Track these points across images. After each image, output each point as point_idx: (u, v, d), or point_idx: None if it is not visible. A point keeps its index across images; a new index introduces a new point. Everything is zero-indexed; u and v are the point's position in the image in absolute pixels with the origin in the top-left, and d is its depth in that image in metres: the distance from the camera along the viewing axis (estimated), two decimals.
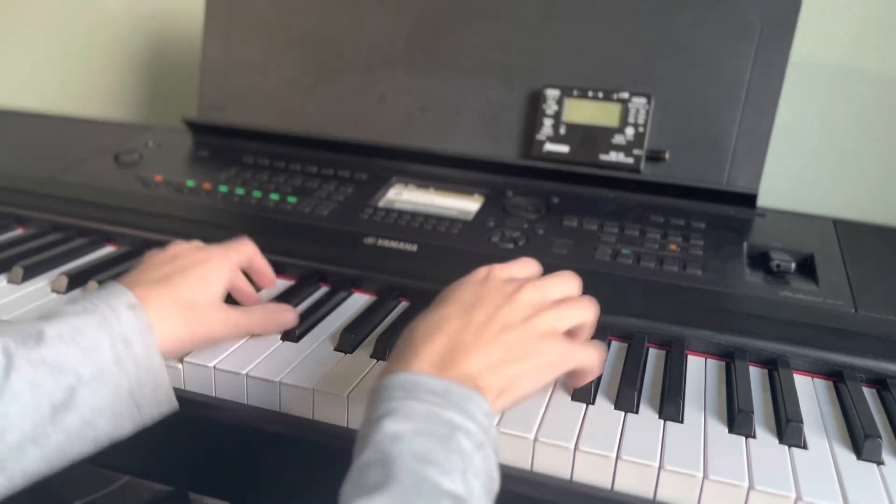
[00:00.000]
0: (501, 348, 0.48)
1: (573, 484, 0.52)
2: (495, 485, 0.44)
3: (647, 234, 0.79)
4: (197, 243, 0.65)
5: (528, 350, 0.49)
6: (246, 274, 0.68)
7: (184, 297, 0.57)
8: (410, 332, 0.50)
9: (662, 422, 0.55)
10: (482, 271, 0.55)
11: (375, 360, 0.61)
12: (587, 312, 0.55)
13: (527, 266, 0.58)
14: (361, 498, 0.38)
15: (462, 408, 0.44)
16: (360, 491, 0.38)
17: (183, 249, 0.63)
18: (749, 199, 0.85)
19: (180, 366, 0.60)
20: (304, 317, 0.65)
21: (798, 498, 0.48)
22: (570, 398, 0.57)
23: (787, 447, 0.53)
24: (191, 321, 0.57)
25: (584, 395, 0.57)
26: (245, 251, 0.66)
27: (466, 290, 0.53)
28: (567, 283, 0.56)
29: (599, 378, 0.59)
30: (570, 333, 0.55)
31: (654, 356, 0.64)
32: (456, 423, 0.43)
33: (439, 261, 0.75)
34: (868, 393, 0.60)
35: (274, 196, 0.88)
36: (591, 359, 0.54)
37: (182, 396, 0.60)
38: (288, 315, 0.64)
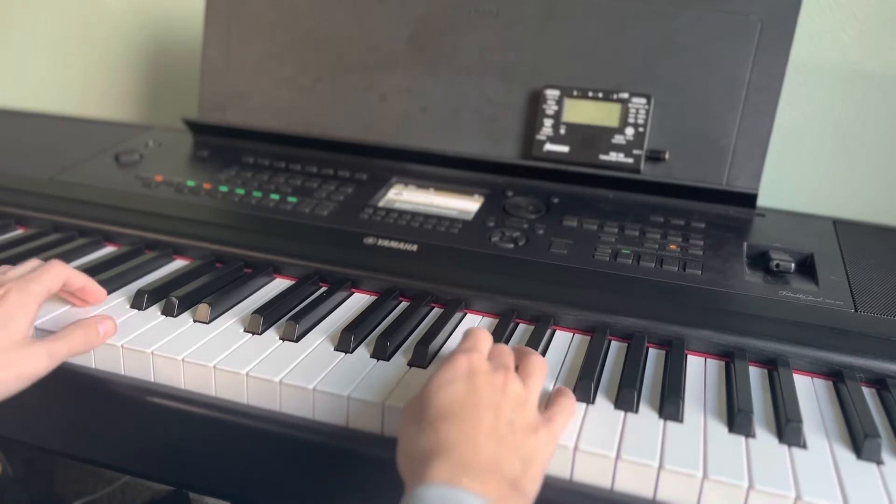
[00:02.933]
0: (524, 452, 0.47)
1: (573, 484, 0.52)
2: None
3: (647, 234, 0.79)
4: None
5: (539, 447, 0.48)
6: None
7: None
8: (442, 423, 0.46)
9: (662, 421, 0.55)
10: (463, 364, 0.51)
11: (376, 360, 0.61)
12: (543, 372, 0.55)
13: (483, 340, 0.55)
14: None
15: None
16: None
17: None
18: (749, 199, 0.85)
19: (181, 365, 0.60)
20: (304, 317, 0.65)
21: (798, 498, 0.48)
22: None
23: (786, 447, 0.53)
24: None
25: (584, 395, 0.57)
26: (51, 277, 0.61)
27: (470, 382, 0.50)
28: (504, 348, 0.55)
29: (599, 378, 0.59)
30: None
31: (654, 356, 0.64)
32: None
33: (439, 261, 0.75)
34: (868, 393, 0.60)
35: (274, 196, 0.88)
36: (565, 422, 0.53)
37: (182, 396, 0.60)
38: (105, 324, 0.61)
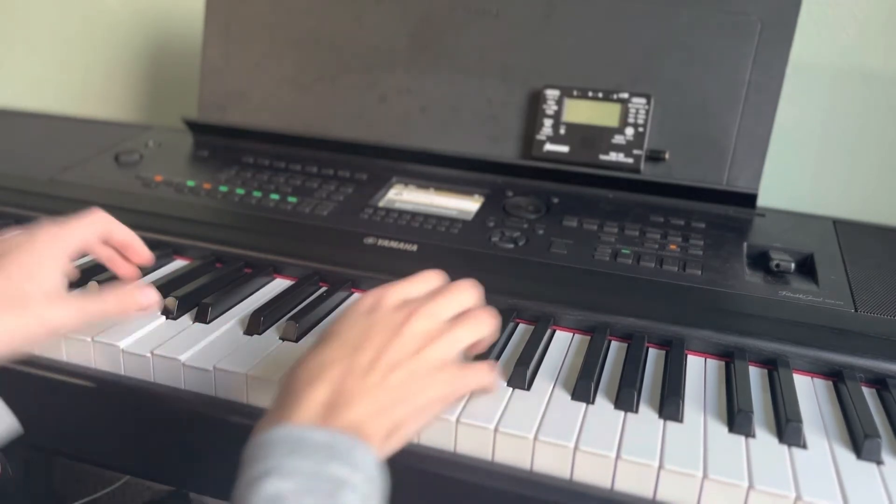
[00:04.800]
0: (388, 392, 0.45)
1: (573, 484, 0.52)
2: None
3: (647, 234, 0.79)
4: (33, 228, 0.57)
5: (417, 388, 0.46)
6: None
7: (4, 291, 0.51)
8: (292, 378, 0.47)
9: (662, 421, 0.55)
10: (370, 298, 0.51)
11: None
12: (482, 327, 0.52)
13: (425, 282, 0.54)
14: None
15: (349, 460, 0.41)
16: None
17: (6, 236, 0.55)
18: (749, 199, 0.85)
19: (181, 365, 0.60)
20: (304, 317, 0.65)
21: (798, 497, 0.48)
22: (570, 398, 0.57)
23: (786, 447, 0.53)
24: (19, 317, 0.51)
25: (584, 395, 0.57)
26: (87, 225, 0.57)
27: (353, 325, 0.49)
28: (462, 295, 0.52)
29: (599, 378, 0.59)
30: (471, 347, 0.52)
31: (654, 356, 0.64)
32: (342, 478, 0.40)
33: (439, 261, 0.75)
34: (868, 393, 0.60)
35: (274, 196, 0.88)
36: (481, 381, 0.51)
37: (182, 396, 0.60)
38: (146, 294, 0.57)
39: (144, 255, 0.64)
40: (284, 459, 0.40)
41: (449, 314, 0.51)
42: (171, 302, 0.67)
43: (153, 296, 0.59)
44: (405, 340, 0.48)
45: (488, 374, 0.52)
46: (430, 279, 0.54)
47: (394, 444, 0.46)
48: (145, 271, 0.75)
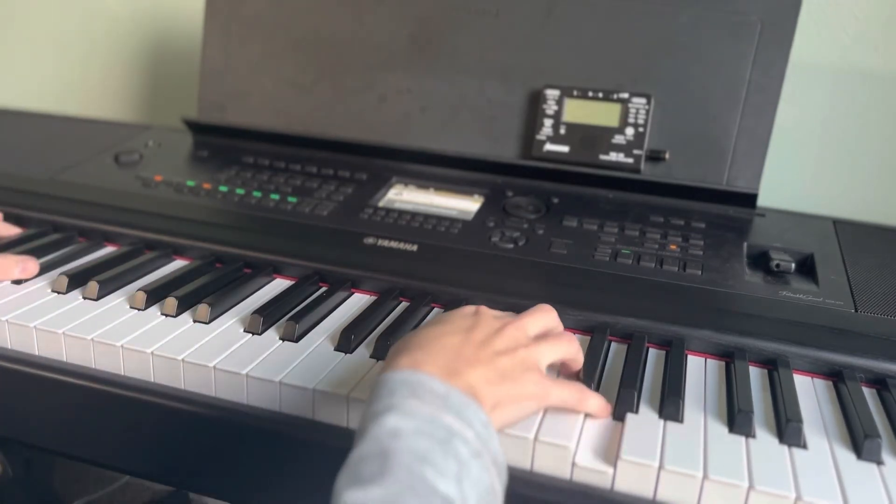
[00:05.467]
0: (497, 369, 0.50)
1: (573, 484, 0.52)
2: (497, 499, 0.44)
3: (647, 235, 0.79)
4: None
5: (518, 375, 0.51)
6: None
7: None
8: (414, 337, 0.51)
9: (662, 422, 0.55)
10: (471, 307, 0.57)
11: (375, 360, 0.61)
12: (568, 347, 0.57)
13: (507, 314, 0.59)
14: (356, 488, 0.38)
15: (461, 414, 0.44)
16: (356, 481, 0.39)
17: None
18: (749, 199, 0.85)
19: (180, 364, 0.60)
20: (304, 317, 0.65)
21: (798, 498, 0.48)
22: None
23: (787, 447, 0.53)
24: None
25: None
26: None
27: (460, 316, 0.55)
28: (545, 318, 0.58)
29: (600, 378, 0.59)
30: (563, 368, 0.59)
31: (654, 356, 0.64)
32: (455, 428, 0.43)
33: (439, 261, 0.75)
34: (868, 393, 0.60)
35: (274, 196, 0.88)
36: (568, 398, 0.54)
37: (182, 396, 0.60)
38: (27, 265, 0.69)
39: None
40: (406, 400, 0.44)
41: (535, 331, 0.56)
42: (171, 302, 0.67)
43: (33, 266, 0.69)
44: (505, 337, 0.53)
45: (576, 394, 0.54)
46: (511, 316, 0.58)
47: (497, 420, 0.49)
48: (146, 270, 0.75)
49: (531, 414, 0.53)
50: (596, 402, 0.55)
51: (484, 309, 0.57)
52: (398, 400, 0.44)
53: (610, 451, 0.52)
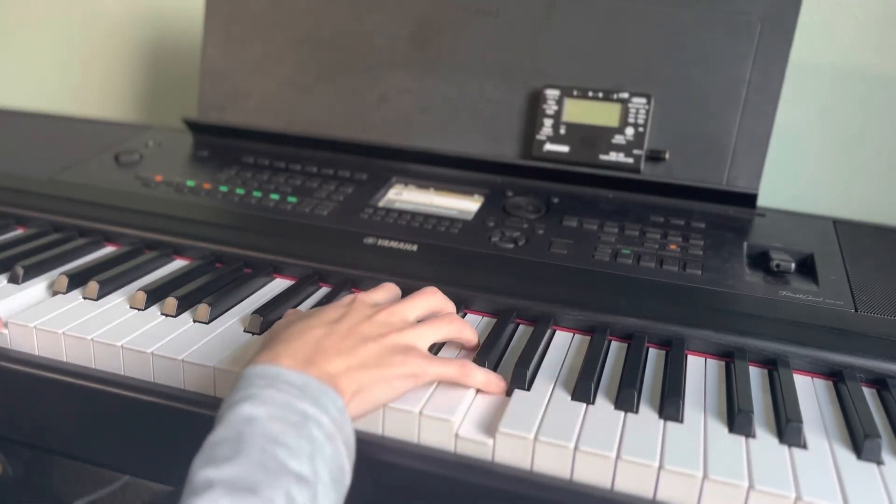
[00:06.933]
0: (359, 357, 0.52)
1: (573, 484, 0.52)
2: (346, 478, 0.47)
3: (647, 234, 0.79)
4: None
5: (384, 361, 0.53)
6: None
7: None
8: (276, 332, 0.55)
9: (662, 422, 0.55)
10: (347, 297, 0.60)
11: None
12: (448, 327, 0.60)
13: (388, 291, 0.65)
14: (209, 468, 0.41)
15: (317, 401, 0.47)
16: (210, 462, 0.42)
17: None
18: (749, 199, 0.85)
19: (180, 364, 0.60)
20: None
21: (798, 498, 0.48)
22: (570, 398, 0.57)
23: (787, 447, 0.53)
24: None
25: (584, 395, 0.57)
26: None
27: (332, 308, 0.57)
28: (426, 301, 0.61)
29: (600, 378, 0.59)
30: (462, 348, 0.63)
31: (654, 356, 0.64)
32: (310, 413, 0.46)
33: (439, 261, 0.75)
34: (868, 393, 0.60)
35: (274, 196, 0.88)
36: (448, 372, 0.56)
37: (183, 396, 0.60)
38: None
39: None
40: (262, 390, 0.47)
41: (413, 316, 0.59)
42: (171, 302, 0.67)
43: None
44: (376, 324, 0.56)
45: (456, 369, 0.56)
46: (392, 289, 0.65)
47: (359, 406, 0.52)
48: (146, 270, 0.75)
49: (408, 391, 0.55)
50: (482, 377, 0.57)
51: (361, 296, 0.60)
52: (255, 391, 0.46)
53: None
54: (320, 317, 0.55)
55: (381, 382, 0.53)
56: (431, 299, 0.62)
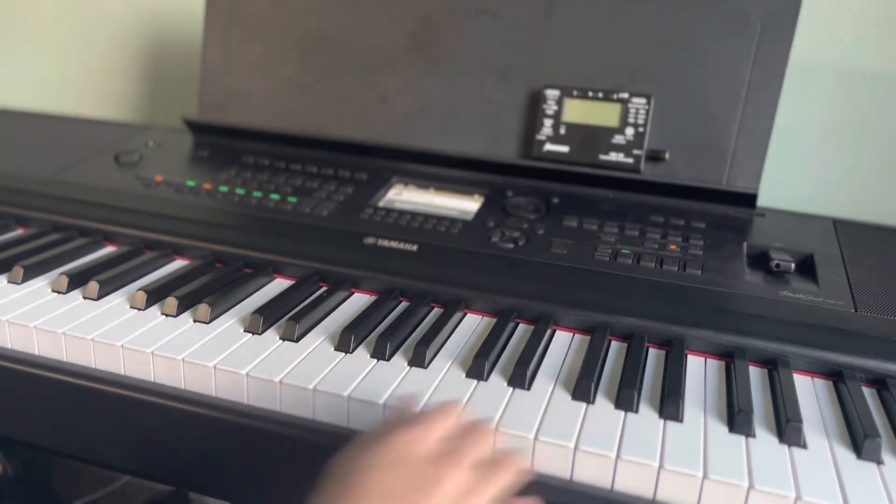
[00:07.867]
0: None
1: (573, 484, 0.52)
2: None
3: (647, 235, 0.79)
4: None
5: None
6: None
7: None
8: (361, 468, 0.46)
9: (662, 421, 0.55)
10: (398, 442, 0.48)
11: (376, 360, 0.61)
12: (510, 477, 0.49)
13: (445, 418, 0.50)
14: None
15: None
16: None
17: None
18: (749, 199, 0.85)
19: (180, 364, 0.60)
20: (304, 317, 0.65)
21: (798, 497, 0.48)
22: (570, 398, 0.57)
23: (786, 447, 0.53)
24: None
25: (584, 395, 0.57)
26: None
27: (383, 475, 0.46)
28: (479, 440, 0.49)
29: (599, 377, 0.59)
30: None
31: (654, 356, 0.64)
32: None
33: (439, 261, 0.75)
34: (868, 393, 0.60)
35: (274, 196, 0.88)
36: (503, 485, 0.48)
37: (182, 396, 0.60)
38: None
39: None
40: None
41: (469, 460, 0.48)
42: (172, 301, 0.67)
43: None
44: (441, 500, 0.45)
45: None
46: (450, 413, 0.51)
47: None
48: (146, 270, 0.75)
49: None
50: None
51: (415, 445, 0.47)
52: None
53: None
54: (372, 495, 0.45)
55: None
56: (486, 439, 0.50)
